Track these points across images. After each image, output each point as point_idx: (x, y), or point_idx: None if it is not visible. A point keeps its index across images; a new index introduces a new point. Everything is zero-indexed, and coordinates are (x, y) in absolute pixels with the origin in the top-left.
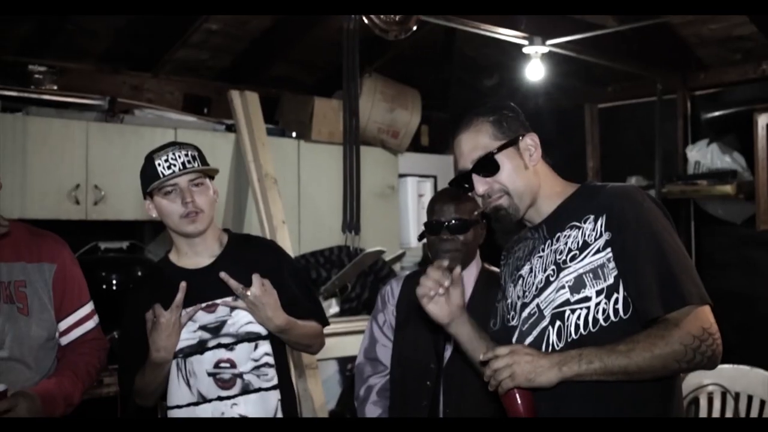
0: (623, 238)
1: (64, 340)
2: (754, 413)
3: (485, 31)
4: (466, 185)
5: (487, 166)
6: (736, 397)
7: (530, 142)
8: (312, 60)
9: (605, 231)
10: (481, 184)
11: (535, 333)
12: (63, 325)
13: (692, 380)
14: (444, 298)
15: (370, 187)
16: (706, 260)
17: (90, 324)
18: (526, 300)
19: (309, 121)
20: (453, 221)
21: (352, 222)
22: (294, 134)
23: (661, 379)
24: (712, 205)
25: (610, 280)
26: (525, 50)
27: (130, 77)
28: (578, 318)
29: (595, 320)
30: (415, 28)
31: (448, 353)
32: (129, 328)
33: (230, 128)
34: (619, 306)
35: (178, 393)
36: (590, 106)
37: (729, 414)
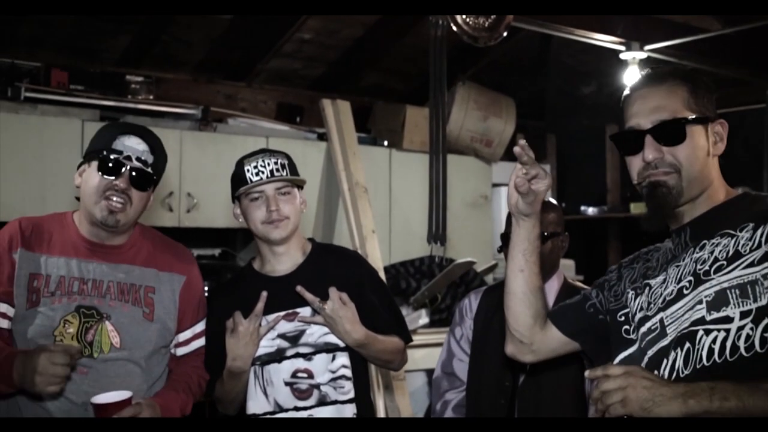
0: None
1: (181, 351)
2: None
3: (580, 37)
4: (631, 145)
5: (671, 133)
6: None
7: (719, 129)
8: (404, 68)
9: (767, 242)
10: (653, 150)
11: (651, 353)
12: (182, 336)
13: None
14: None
15: (462, 196)
16: None
17: (204, 339)
18: (649, 313)
19: (401, 130)
20: None
21: (437, 233)
22: (386, 143)
23: None
24: None
25: (762, 302)
26: (622, 56)
27: (225, 87)
28: (713, 341)
29: (734, 347)
30: (505, 34)
31: (523, 372)
32: (210, 334)
33: (322, 137)
34: None
35: (255, 401)
36: None
37: None
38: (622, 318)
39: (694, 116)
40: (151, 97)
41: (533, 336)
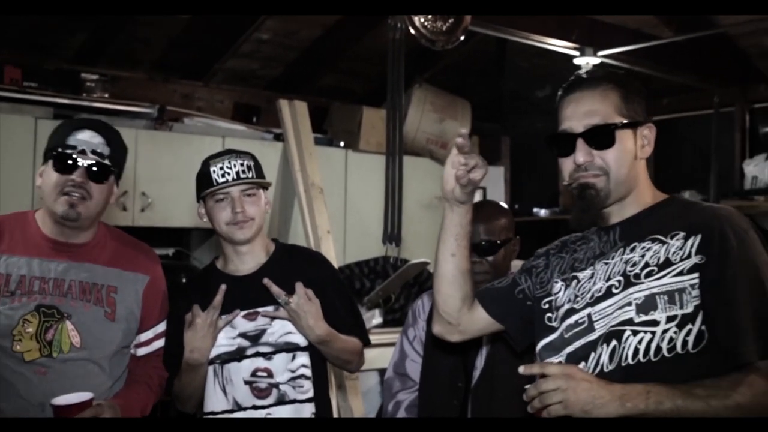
0: (721, 267)
1: (142, 352)
2: None
3: (536, 42)
4: (564, 148)
5: (602, 137)
6: None
7: (648, 132)
8: (361, 70)
9: (696, 254)
10: (583, 154)
11: (577, 344)
12: (143, 336)
13: None
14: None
15: (417, 197)
16: None
17: (164, 340)
18: (577, 306)
19: (357, 131)
20: (481, 243)
21: (393, 233)
22: (342, 144)
23: None
24: None
25: (688, 309)
26: (576, 61)
27: (181, 86)
28: (639, 342)
29: (658, 349)
30: (462, 38)
31: (477, 372)
32: (171, 332)
33: (279, 137)
34: (690, 338)
35: (213, 399)
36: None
37: None
38: (546, 305)
39: (624, 121)
40: (107, 95)
41: (461, 317)
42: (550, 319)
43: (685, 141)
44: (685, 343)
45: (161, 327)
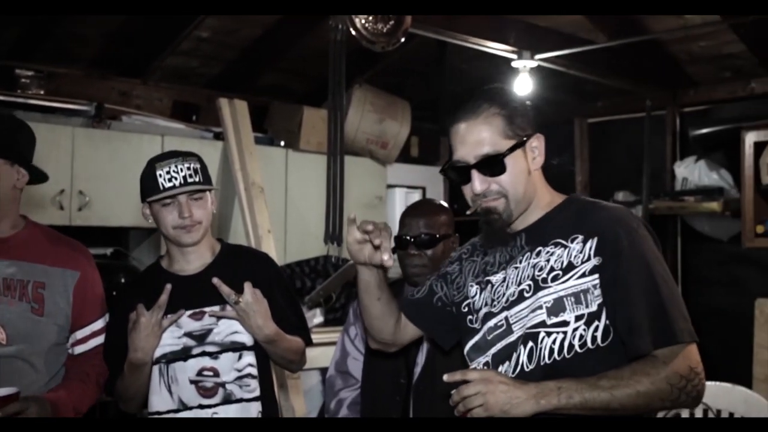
0: (615, 266)
1: (79, 349)
2: None
3: (474, 45)
4: (461, 177)
5: (493, 166)
6: (718, 414)
7: (536, 143)
8: (302, 69)
9: (594, 256)
10: (479, 183)
11: (499, 345)
12: (79, 334)
13: None
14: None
15: (358, 197)
16: (692, 277)
17: (103, 337)
18: (494, 310)
19: (298, 131)
20: (421, 236)
21: (334, 233)
22: (282, 143)
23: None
24: (699, 222)
25: (593, 308)
26: (514, 64)
27: (119, 83)
28: (554, 342)
29: (571, 346)
30: (402, 40)
31: (418, 369)
32: (114, 331)
33: (218, 136)
34: (598, 334)
35: (159, 399)
36: (580, 120)
37: None
38: (466, 309)
39: (511, 145)
40: (42, 92)
41: (395, 336)
42: (471, 321)
43: (619, 143)
44: (594, 338)
45: (99, 324)
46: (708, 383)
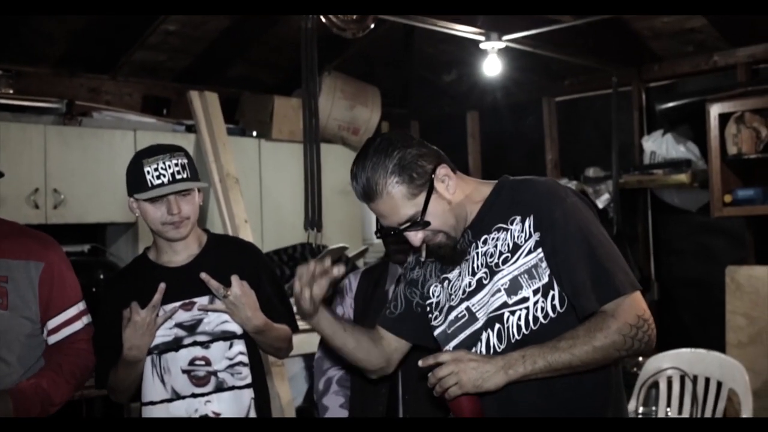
0: (553, 237)
1: (52, 339)
2: (711, 394)
3: (442, 28)
4: (398, 238)
5: (416, 225)
6: (694, 379)
7: (442, 174)
8: (271, 59)
9: (534, 231)
10: (416, 238)
11: (462, 336)
12: (51, 324)
13: (652, 364)
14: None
15: (332, 184)
16: (664, 248)
17: (78, 324)
18: (453, 303)
19: (269, 121)
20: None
21: (314, 219)
22: (255, 134)
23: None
24: (668, 194)
25: (545, 279)
26: (482, 46)
27: (88, 80)
28: (519, 319)
29: (536, 319)
30: (372, 26)
31: None
32: (105, 323)
33: (190, 129)
34: (556, 302)
35: (152, 389)
36: (548, 99)
37: (687, 396)
38: (428, 308)
39: (421, 200)
40: (11, 91)
41: (386, 357)
42: (433, 318)
43: (587, 120)
44: (554, 307)
45: (71, 313)
46: (683, 350)
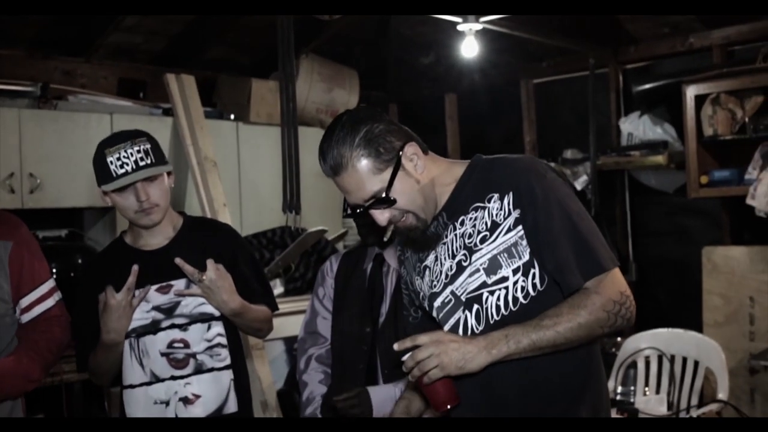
0: (534, 214)
1: (26, 318)
2: (688, 373)
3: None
4: (365, 217)
5: (382, 202)
6: (672, 359)
7: (410, 152)
8: (248, 42)
9: (514, 209)
10: (382, 217)
11: (452, 321)
12: (24, 302)
13: (630, 345)
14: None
15: (311, 167)
16: (641, 229)
17: (50, 301)
18: (436, 290)
19: (247, 103)
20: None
21: (292, 202)
22: (232, 116)
23: (583, 345)
24: (645, 176)
25: (525, 257)
26: (459, 27)
27: (63, 62)
28: (498, 299)
29: (515, 299)
30: None
31: (382, 318)
32: (83, 308)
33: (167, 112)
34: (537, 280)
35: (131, 372)
36: (526, 81)
37: (665, 375)
38: (420, 302)
39: (387, 176)
40: None
41: None
42: (427, 308)
43: (564, 102)
44: (534, 285)
45: (42, 290)
46: (660, 330)
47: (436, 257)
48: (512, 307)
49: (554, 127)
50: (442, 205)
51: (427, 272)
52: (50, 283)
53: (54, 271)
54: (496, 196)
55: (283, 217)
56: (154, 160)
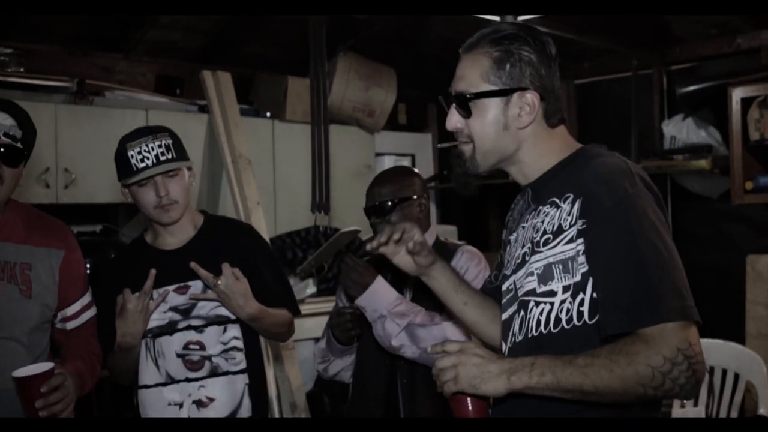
0: (596, 230)
1: (71, 325)
2: (728, 386)
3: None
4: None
5: (462, 105)
6: (711, 370)
7: (527, 99)
8: (285, 39)
9: (580, 218)
10: (452, 120)
11: (507, 313)
12: (70, 310)
13: None
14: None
15: (347, 166)
16: (683, 235)
17: (93, 310)
18: (507, 272)
19: (283, 101)
20: (376, 204)
21: (321, 201)
22: (268, 114)
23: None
24: (689, 180)
25: (578, 277)
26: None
27: (101, 59)
28: (541, 313)
29: (558, 320)
30: None
31: None
32: (102, 308)
33: (203, 109)
34: (584, 309)
35: (146, 373)
36: (567, 82)
37: (704, 387)
38: (498, 271)
39: (485, 89)
40: (22, 69)
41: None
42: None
43: (606, 104)
44: (580, 313)
45: (87, 299)
46: (700, 340)
47: (516, 239)
48: (552, 328)
49: (595, 129)
50: (532, 180)
51: (508, 248)
52: (90, 292)
53: (88, 266)
54: (571, 196)
55: (314, 216)
56: (175, 156)
